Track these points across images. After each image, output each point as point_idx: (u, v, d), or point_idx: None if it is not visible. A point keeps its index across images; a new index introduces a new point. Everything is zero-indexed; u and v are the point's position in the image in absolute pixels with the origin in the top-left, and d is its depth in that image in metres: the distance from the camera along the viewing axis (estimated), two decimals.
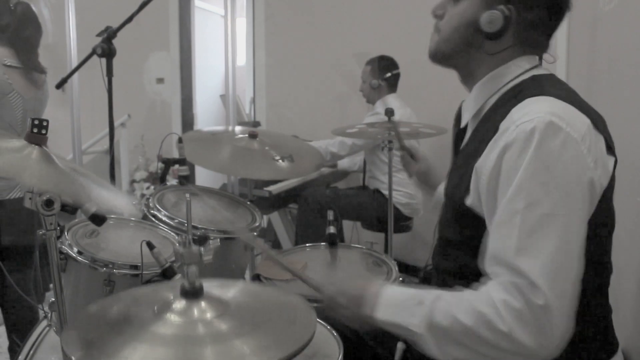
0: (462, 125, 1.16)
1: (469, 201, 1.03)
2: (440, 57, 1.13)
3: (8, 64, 1.96)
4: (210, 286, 0.95)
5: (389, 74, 3.09)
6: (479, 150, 1.02)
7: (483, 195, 0.99)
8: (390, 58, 3.13)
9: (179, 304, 0.88)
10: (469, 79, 1.13)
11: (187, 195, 1.01)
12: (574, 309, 0.89)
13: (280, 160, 1.90)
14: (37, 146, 1.10)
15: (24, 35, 2.03)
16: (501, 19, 1.02)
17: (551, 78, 1.07)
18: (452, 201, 1.10)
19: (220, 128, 2.32)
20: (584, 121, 0.96)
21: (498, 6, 1.02)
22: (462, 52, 1.10)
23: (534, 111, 0.94)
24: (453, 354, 0.93)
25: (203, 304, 0.88)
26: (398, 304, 0.99)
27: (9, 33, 1.99)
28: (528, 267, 0.87)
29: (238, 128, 2.23)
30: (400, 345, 1.12)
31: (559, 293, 0.87)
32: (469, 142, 1.11)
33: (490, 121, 1.04)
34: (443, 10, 1.12)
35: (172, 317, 0.86)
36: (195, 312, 0.87)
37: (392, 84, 3.13)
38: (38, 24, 2.09)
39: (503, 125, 0.98)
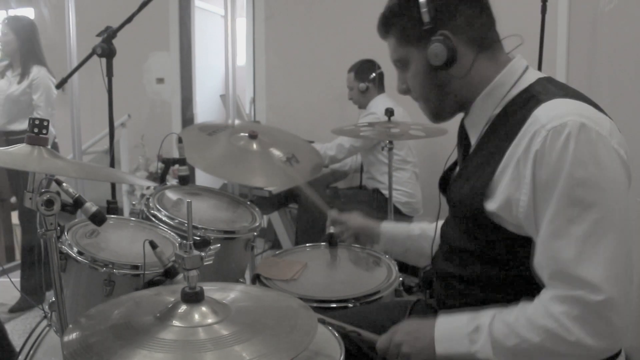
0: (472, 142, 1.15)
1: (491, 208, 1.01)
2: (440, 115, 1.16)
3: None
4: (211, 290, 0.95)
5: (372, 75, 3.09)
6: (495, 156, 1.02)
7: (523, 206, 0.97)
8: (371, 60, 3.13)
9: (180, 308, 0.88)
10: (466, 104, 1.13)
11: (188, 199, 1.00)
12: (634, 301, 0.91)
13: (287, 162, 1.89)
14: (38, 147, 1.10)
15: None
16: (441, 45, 1.04)
17: (554, 81, 1.07)
18: (462, 208, 1.09)
19: (219, 122, 2.30)
20: (606, 119, 0.98)
21: (432, 40, 1.05)
22: (446, 96, 1.12)
23: (562, 113, 0.94)
24: None
25: (204, 308, 0.88)
26: (455, 335, 1.02)
27: None
28: (588, 274, 0.89)
29: (238, 122, 2.22)
30: None
31: (620, 288, 0.89)
32: (479, 150, 1.10)
33: (504, 127, 1.03)
34: (404, 83, 1.17)
35: (173, 322, 0.85)
36: (196, 317, 0.87)
37: (379, 84, 3.13)
38: None
39: (526, 129, 0.97)
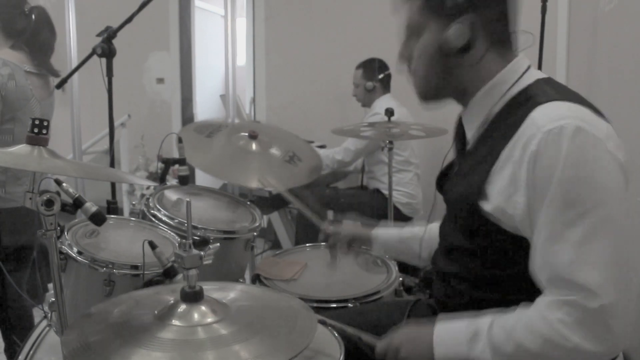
0: (468, 138, 1.14)
1: (487, 207, 1.01)
2: (432, 95, 1.13)
3: (27, 69, 1.97)
4: (211, 290, 0.95)
5: (381, 75, 3.10)
6: (490, 156, 1.01)
7: (520, 208, 0.96)
8: (381, 60, 3.14)
9: (179, 307, 0.88)
10: (464, 97, 1.12)
11: (187, 199, 1.00)
12: (637, 302, 0.91)
13: (287, 162, 1.89)
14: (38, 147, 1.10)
15: (39, 39, 2.03)
16: (466, 28, 1.01)
17: (553, 82, 1.07)
18: (459, 207, 1.09)
19: (219, 120, 2.29)
20: (603, 122, 0.97)
21: (457, 19, 1.02)
22: (447, 79, 1.09)
23: (559, 116, 0.94)
24: None
25: (203, 307, 0.88)
26: (453, 340, 1.02)
27: (25, 37, 2.00)
28: (585, 279, 0.89)
29: (237, 122, 2.21)
30: None
31: (618, 293, 0.88)
32: (475, 149, 1.09)
33: (501, 128, 1.03)
34: (408, 50, 1.12)
35: (172, 321, 0.85)
36: (195, 316, 0.87)
37: (385, 85, 3.14)
38: (53, 28, 2.09)
39: (523, 131, 0.97)
